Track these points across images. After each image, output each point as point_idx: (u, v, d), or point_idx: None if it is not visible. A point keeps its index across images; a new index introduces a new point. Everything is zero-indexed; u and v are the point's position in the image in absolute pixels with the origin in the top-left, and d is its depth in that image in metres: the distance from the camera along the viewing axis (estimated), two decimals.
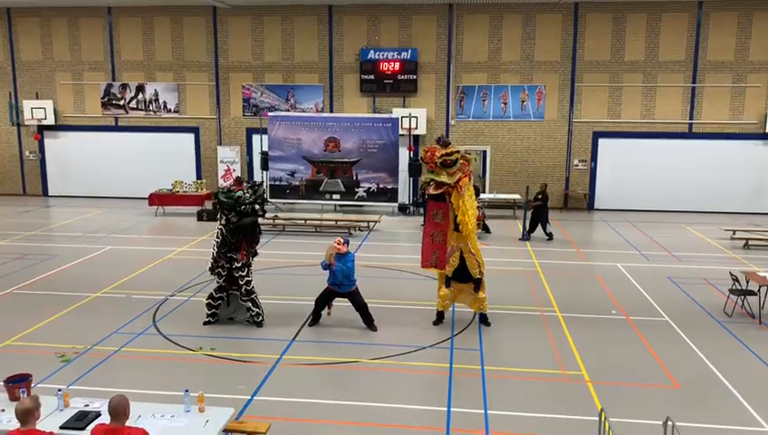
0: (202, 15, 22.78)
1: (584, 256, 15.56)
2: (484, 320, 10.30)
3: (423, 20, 22.02)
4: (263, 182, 10.37)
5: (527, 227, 17.20)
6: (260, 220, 10.23)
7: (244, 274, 9.97)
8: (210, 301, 10.16)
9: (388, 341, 9.57)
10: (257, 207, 9.80)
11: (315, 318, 10.21)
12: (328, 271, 9.84)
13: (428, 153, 9.69)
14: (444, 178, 9.53)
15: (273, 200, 21.74)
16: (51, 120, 23.63)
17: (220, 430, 5.56)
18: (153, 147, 23.67)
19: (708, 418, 7.25)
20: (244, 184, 10.11)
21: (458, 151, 9.67)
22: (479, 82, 22.17)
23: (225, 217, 9.81)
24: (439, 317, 10.37)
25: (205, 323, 10.12)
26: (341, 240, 9.86)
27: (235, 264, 9.90)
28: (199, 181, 21.97)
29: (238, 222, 9.72)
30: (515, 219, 19.98)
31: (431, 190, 9.73)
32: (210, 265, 10.14)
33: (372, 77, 22.29)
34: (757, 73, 21.11)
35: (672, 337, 9.88)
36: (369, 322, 10.02)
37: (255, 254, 10.29)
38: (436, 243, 10.18)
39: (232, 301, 10.23)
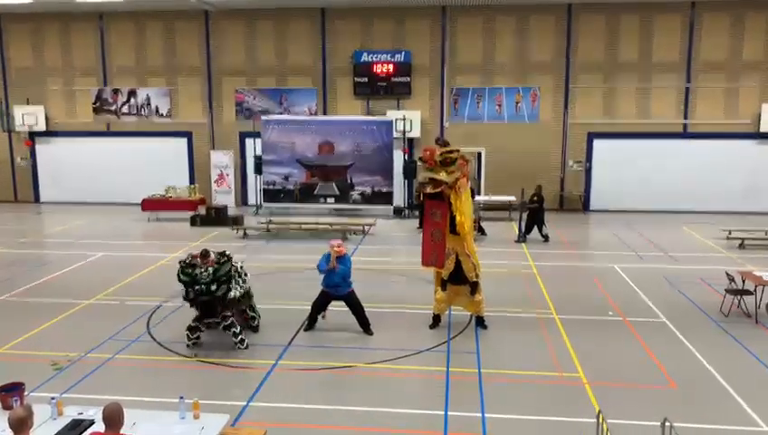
0: (194, 20, 22.73)
1: (580, 257, 15.55)
2: (480, 323, 10.26)
3: (416, 22, 22.02)
4: (230, 258, 9.31)
5: (523, 229, 17.19)
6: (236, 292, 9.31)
7: (228, 314, 9.31)
8: (189, 333, 9.36)
9: (384, 345, 9.52)
10: (214, 287, 8.89)
11: (311, 323, 10.14)
12: (324, 274, 9.79)
13: (428, 152, 9.66)
14: (442, 177, 9.50)
15: (267, 205, 21.70)
16: (42, 126, 23.52)
17: None
18: (145, 152, 23.57)
19: (706, 418, 7.23)
20: (212, 256, 9.20)
21: (458, 150, 9.66)
22: (473, 84, 22.18)
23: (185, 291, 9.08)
24: (436, 320, 10.32)
25: (188, 347, 9.37)
26: (340, 242, 9.84)
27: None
28: (192, 186, 21.85)
29: (194, 299, 9.01)
30: (511, 221, 19.97)
31: (429, 190, 9.69)
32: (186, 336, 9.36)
33: (366, 80, 22.28)
34: (750, 73, 21.19)
35: (669, 338, 9.87)
36: (365, 325, 9.96)
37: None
38: (435, 241, 10.11)
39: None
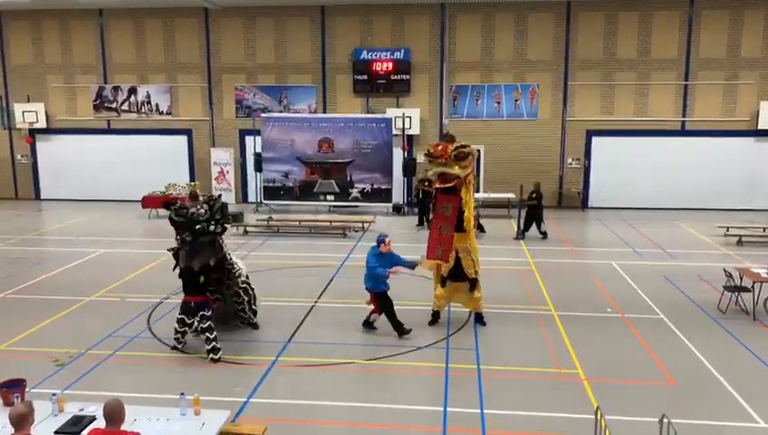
0: (194, 17, 22.72)
1: (579, 254, 15.59)
2: (479, 319, 10.29)
3: (415, 19, 22.01)
4: (220, 195, 9.32)
5: (522, 226, 17.22)
6: (227, 242, 9.44)
7: (207, 313, 8.85)
8: (178, 334, 9.16)
9: (383, 341, 9.55)
10: (213, 225, 8.62)
11: (401, 326, 9.79)
12: (381, 277, 9.67)
13: (440, 147, 9.65)
14: (456, 171, 9.54)
15: (267, 202, 21.73)
16: (42, 124, 23.52)
17: (216, 433, 5.53)
18: (146, 149, 23.57)
19: (704, 414, 7.28)
20: (200, 198, 9.15)
21: (469, 145, 9.72)
22: (472, 82, 22.19)
23: (179, 239, 8.80)
24: (435, 317, 10.36)
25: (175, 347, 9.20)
26: (390, 239, 9.86)
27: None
28: (192, 183, 21.85)
29: (194, 242, 8.67)
30: (510, 218, 20.00)
31: (438, 184, 9.73)
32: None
33: (365, 77, 22.29)
34: (749, 70, 21.20)
35: (667, 334, 9.90)
36: (370, 322, 10.01)
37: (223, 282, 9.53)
38: (443, 236, 10.10)
39: (226, 300, 10.03)
